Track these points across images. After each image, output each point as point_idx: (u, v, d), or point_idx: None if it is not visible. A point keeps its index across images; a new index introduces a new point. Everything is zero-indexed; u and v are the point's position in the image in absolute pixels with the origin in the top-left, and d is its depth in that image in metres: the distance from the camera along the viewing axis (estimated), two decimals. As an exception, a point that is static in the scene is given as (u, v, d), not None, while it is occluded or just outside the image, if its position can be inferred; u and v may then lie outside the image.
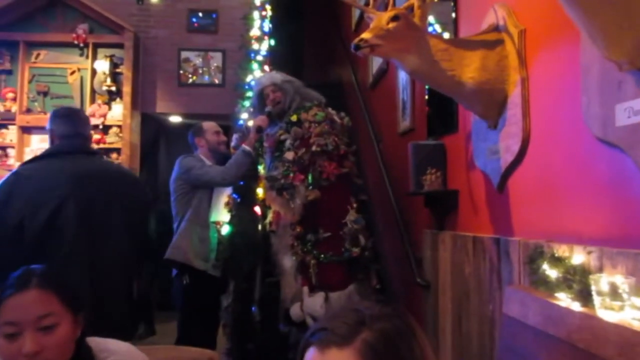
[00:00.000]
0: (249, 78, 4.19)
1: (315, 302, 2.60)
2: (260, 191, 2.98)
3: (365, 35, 1.76)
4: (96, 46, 5.83)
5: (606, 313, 1.13)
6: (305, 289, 2.70)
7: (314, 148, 2.82)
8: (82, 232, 2.06)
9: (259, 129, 3.06)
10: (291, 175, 2.77)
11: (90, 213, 2.10)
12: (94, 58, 5.83)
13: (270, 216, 2.90)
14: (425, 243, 2.68)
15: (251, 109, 3.26)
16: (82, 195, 2.09)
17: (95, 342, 1.31)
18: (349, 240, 2.79)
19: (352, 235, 2.80)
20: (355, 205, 2.87)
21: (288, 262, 2.76)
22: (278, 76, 3.12)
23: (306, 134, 2.87)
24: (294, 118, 2.93)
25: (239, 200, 3.13)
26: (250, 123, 3.57)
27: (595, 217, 1.38)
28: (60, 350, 1.18)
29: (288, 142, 2.88)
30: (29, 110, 5.72)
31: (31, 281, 1.20)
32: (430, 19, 2.58)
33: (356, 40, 1.75)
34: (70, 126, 2.22)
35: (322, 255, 2.73)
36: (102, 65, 5.80)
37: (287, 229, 2.80)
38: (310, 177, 2.80)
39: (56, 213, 2.03)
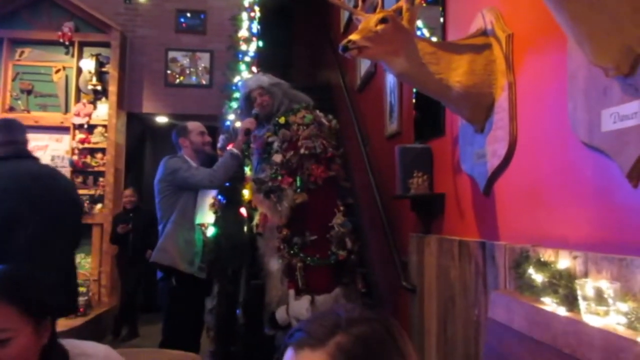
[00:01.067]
0: (236, 79, 4.17)
1: (301, 306, 2.58)
2: (246, 193, 2.95)
3: (353, 36, 1.75)
4: (82, 45, 5.78)
5: (591, 318, 1.13)
6: (292, 292, 2.68)
7: (302, 151, 2.80)
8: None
9: (247, 132, 3.04)
10: (279, 178, 2.75)
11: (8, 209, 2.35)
12: (80, 57, 5.77)
13: (257, 218, 2.87)
14: (411, 247, 2.68)
15: (238, 111, 3.22)
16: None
17: (72, 345, 1.25)
18: (335, 243, 2.77)
19: (338, 239, 2.78)
20: (342, 208, 2.86)
21: (274, 264, 2.74)
22: (265, 79, 3.07)
23: (294, 137, 2.84)
24: (282, 120, 2.90)
25: (224, 201, 3.10)
26: (238, 125, 3.55)
27: (581, 222, 1.38)
28: None
29: (276, 145, 2.86)
30: (11, 109, 5.64)
31: None
32: (419, 23, 2.59)
33: (344, 41, 1.75)
34: (5, 135, 2.52)
35: (309, 258, 2.72)
36: (88, 64, 5.74)
37: (274, 232, 2.78)
38: (298, 180, 2.78)
39: None
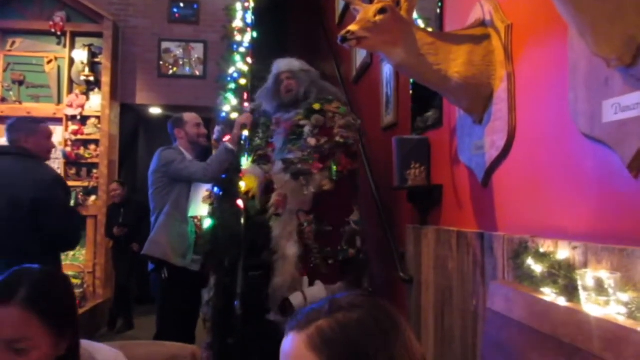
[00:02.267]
0: (231, 70, 4.13)
1: (319, 291, 2.59)
2: (243, 184, 2.93)
3: (352, 27, 1.74)
4: (74, 35, 5.72)
5: (592, 308, 1.13)
6: (305, 279, 2.67)
7: (337, 139, 2.82)
8: None
9: (242, 126, 3.04)
10: (310, 162, 2.74)
11: None
12: (72, 47, 5.71)
13: (274, 199, 2.79)
14: (408, 238, 2.68)
15: (264, 92, 3.21)
16: None
17: (84, 349, 1.22)
18: (346, 239, 2.77)
19: (350, 235, 2.79)
20: (356, 207, 2.87)
21: (291, 249, 2.71)
22: (297, 64, 3.11)
23: (329, 124, 2.87)
24: (316, 106, 2.92)
25: (220, 193, 3.09)
26: (235, 116, 3.53)
27: (580, 212, 1.39)
28: None
29: (307, 129, 2.86)
30: (3, 100, 5.59)
31: (16, 294, 1.06)
32: (415, 13, 2.57)
33: (343, 32, 1.74)
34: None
35: (319, 248, 2.72)
36: (80, 55, 5.69)
37: (293, 215, 2.76)
38: (333, 167, 2.80)
39: None
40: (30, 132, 2.80)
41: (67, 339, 1.14)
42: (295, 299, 2.59)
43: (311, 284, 2.67)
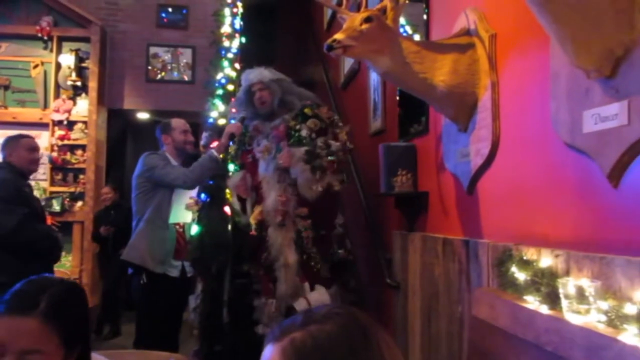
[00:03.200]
0: (219, 75, 4.14)
1: (323, 296, 2.60)
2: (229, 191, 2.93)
3: (339, 35, 1.76)
4: (61, 39, 5.68)
5: (573, 316, 1.15)
6: (307, 285, 2.68)
7: (348, 144, 2.88)
8: None
9: (231, 136, 3.01)
10: (328, 160, 2.75)
11: None
12: (59, 52, 5.67)
13: (273, 204, 2.75)
14: (395, 244, 2.69)
15: (236, 104, 3.17)
16: None
17: None
18: (337, 242, 2.82)
19: (340, 238, 2.84)
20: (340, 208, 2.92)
21: (293, 256, 2.70)
22: (267, 74, 3.03)
23: (329, 129, 2.89)
24: (307, 111, 2.91)
25: (208, 199, 3.08)
26: (222, 122, 3.53)
27: (562, 221, 1.41)
28: None
29: (305, 132, 2.84)
30: (-12, 104, 5.53)
31: (37, 307, 1.06)
32: (402, 20, 2.59)
33: (329, 40, 1.75)
34: None
35: (317, 253, 2.74)
36: (67, 59, 5.65)
37: (291, 222, 2.75)
38: (341, 171, 2.84)
39: None
40: (13, 147, 3.05)
41: (77, 351, 1.13)
42: (300, 305, 2.60)
43: (311, 289, 2.69)
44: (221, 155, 3.04)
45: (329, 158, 2.74)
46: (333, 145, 2.78)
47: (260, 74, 3.03)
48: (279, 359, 0.72)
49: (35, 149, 3.18)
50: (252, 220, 2.79)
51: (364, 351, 0.74)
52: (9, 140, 3.14)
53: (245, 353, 2.78)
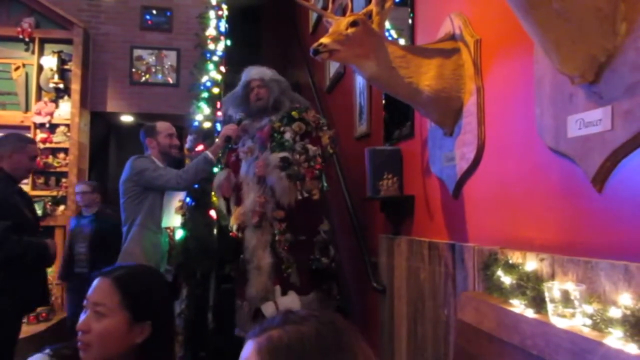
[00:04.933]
0: (204, 78, 4.12)
1: (292, 301, 2.58)
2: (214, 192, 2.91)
3: (324, 40, 1.75)
4: (43, 41, 5.59)
5: (559, 320, 1.16)
6: (278, 288, 2.66)
7: (329, 149, 2.87)
8: None
9: (227, 139, 2.99)
10: (312, 165, 2.74)
11: None
12: (41, 53, 5.58)
13: (252, 205, 2.76)
14: (381, 248, 2.69)
15: (232, 98, 3.15)
16: None
17: None
18: (319, 249, 2.79)
19: (323, 245, 2.82)
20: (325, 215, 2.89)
21: (268, 258, 2.70)
22: (268, 72, 3.08)
23: (315, 133, 2.89)
24: (294, 114, 2.92)
25: (193, 204, 3.05)
26: (207, 125, 3.50)
27: (547, 225, 1.42)
28: (102, 340, 1.26)
29: (289, 135, 2.85)
30: (-32, 107, 5.43)
31: (113, 273, 1.33)
32: (387, 24, 2.60)
33: (315, 44, 1.74)
34: None
35: (292, 259, 2.71)
36: (49, 62, 5.56)
37: (268, 225, 2.75)
38: (324, 178, 2.82)
39: None
40: (16, 150, 2.81)
41: (145, 330, 1.30)
42: (267, 309, 2.58)
43: (284, 293, 2.67)
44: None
45: (307, 164, 2.73)
46: (311, 150, 2.77)
47: (261, 71, 3.08)
48: (255, 355, 0.74)
49: (37, 156, 2.96)
50: (233, 221, 2.78)
51: (337, 355, 0.76)
52: (10, 141, 2.84)
53: (229, 358, 2.76)
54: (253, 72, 3.06)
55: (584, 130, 1.23)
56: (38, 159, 5.32)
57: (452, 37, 1.92)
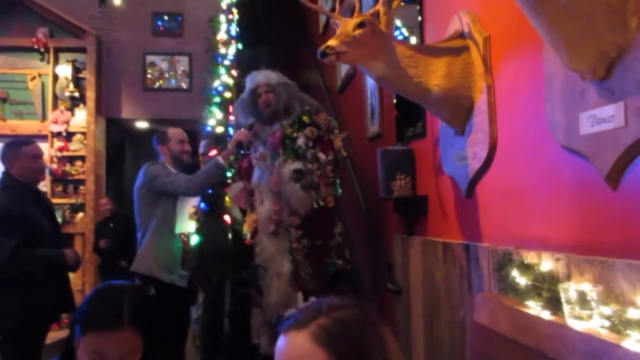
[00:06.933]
0: (216, 83, 4.13)
1: None
2: (228, 198, 2.91)
3: (332, 42, 1.74)
4: (57, 50, 5.68)
5: (575, 322, 1.13)
6: (300, 295, 2.64)
7: (342, 152, 2.83)
8: None
9: (238, 144, 2.97)
10: (322, 175, 2.71)
11: None
12: (56, 63, 5.67)
13: (267, 213, 2.74)
14: (395, 248, 2.68)
15: (240, 105, 3.12)
16: None
17: None
18: (335, 251, 2.76)
19: (338, 247, 2.78)
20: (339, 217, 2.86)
21: (287, 265, 2.68)
22: (274, 76, 2.99)
23: (327, 137, 2.84)
24: (305, 118, 2.86)
25: (207, 209, 3.06)
26: (220, 130, 3.51)
27: (562, 224, 1.39)
28: None
29: (301, 141, 2.79)
30: (-14, 118, 5.53)
31: (123, 319, 1.19)
32: (397, 22, 2.58)
33: (322, 47, 1.73)
34: None
35: (310, 264, 2.69)
36: (64, 70, 5.64)
37: (285, 232, 2.73)
38: (338, 183, 2.79)
39: None
40: (14, 156, 2.76)
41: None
42: None
43: (305, 299, 2.64)
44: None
45: (320, 172, 2.71)
46: (321, 159, 2.75)
47: (267, 76, 2.99)
48: (310, 343, 0.76)
49: (39, 155, 2.88)
50: (246, 229, 2.77)
51: (385, 335, 0.81)
52: (8, 149, 2.83)
53: (248, 364, 2.77)
54: (258, 78, 2.99)
55: (597, 127, 1.20)
56: (56, 166, 5.43)
57: (460, 35, 1.90)
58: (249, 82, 3.04)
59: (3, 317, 2.57)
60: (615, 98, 1.15)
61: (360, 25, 1.76)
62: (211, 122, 3.62)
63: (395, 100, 2.78)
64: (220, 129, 3.45)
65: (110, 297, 1.25)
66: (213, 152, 3.13)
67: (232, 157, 3.01)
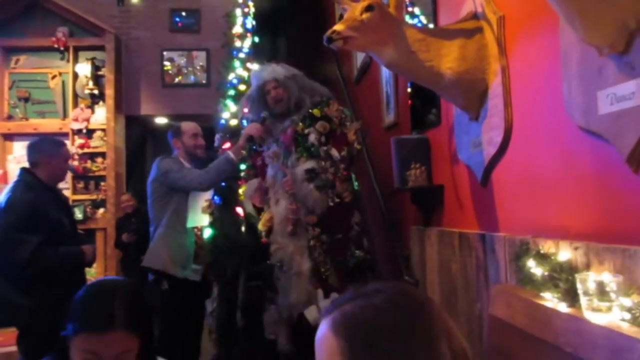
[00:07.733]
0: (231, 76, 4.10)
1: None
2: (242, 192, 2.88)
3: (338, 26, 1.68)
4: (77, 49, 5.72)
5: (593, 315, 1.06)
6: (320, 291, 2.59)
7: (356, 145, 2.74)
8: None
9: (249, 138, 2.89)
10: (338, 173, 2.64)
11: None
12: (75, 61, 5.72)
13: (284, 212, 2.67)
14: (412, 240, 2.61)
15: (248, 103, 3.01)
16: None
17: None
18: (354, 243, 2.68)
19: (357, 238, 2.71)
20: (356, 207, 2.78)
21: (307, 263, 2.61)
22: (281, 70, 2.84)
23: (339, 130, 2.74)
24: (316, 112, 2.74)
25: (220, 202, 3.03)
26: (233, 123, 3.48)
27: (580, 210, 1.31)
28: None
29: (313, 137, 2.69)
30: (10, 117, 5.61)
31: (115, 321, 1.15)
32: (410, 6, 2.51)
33: (328, 32, 1.68)
34: None
35: (331, 259, 2.63)
36: (84, 69, 5.69)
37: (304, 230, 2.67)
38: (354, 178, 2.71)
39: None
40: (51, 154, 2.76)
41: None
42: (311, 313, 2.51)
43: (327, 296, 2.59)
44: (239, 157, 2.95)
45: (334, 169, 2.64)
46: (334, 156, 2.67)
47: (273, 71, 2.87)
48: (328, 331, 0.73)
49: (70, 158, 2.87)
50: (261, 227, 2.72)
51: (413, 324, 0.71)
52: (45, 145, 2.80)
53: (260, 357, 2.73)
54: (264, 74, 2.87)
55: (616, 105, 1.12)
56: (77, 163, 5.50)
57: (474, 16, 1.82)
58: (255, 79, 2.94)
59: (21, 313, 2.59)
60: (636, 73, 1.06)
61: (368, 8, 1.69)
62: (225, 115, 3.59)
63: (409, 89, 2.70)
64: (234, 122, 3.41)
65: (102, 297, 1.20)
66: (227, 145, 3.10)
67: (244, 152, 2.94)
